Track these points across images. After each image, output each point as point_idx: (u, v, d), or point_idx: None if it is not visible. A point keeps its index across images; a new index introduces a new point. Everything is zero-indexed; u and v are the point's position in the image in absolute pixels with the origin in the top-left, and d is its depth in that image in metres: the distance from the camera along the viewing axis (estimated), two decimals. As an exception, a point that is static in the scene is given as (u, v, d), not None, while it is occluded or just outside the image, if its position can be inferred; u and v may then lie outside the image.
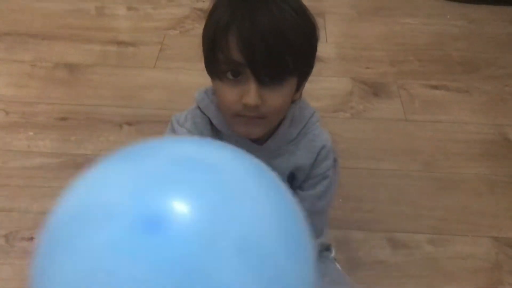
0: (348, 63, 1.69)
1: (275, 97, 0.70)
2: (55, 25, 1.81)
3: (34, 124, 1.42)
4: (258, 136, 0.76)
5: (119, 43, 1.74)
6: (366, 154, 1.36)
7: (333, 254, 0.98)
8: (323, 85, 1.60)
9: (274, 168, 0.80)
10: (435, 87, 1.60)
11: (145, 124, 1.43)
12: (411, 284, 1.08)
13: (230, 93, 0.70)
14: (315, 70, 1.72)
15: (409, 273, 1.10)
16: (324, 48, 1.74)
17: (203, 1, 1.94)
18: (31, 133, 1.39)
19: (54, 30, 1.78)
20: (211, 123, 0.79)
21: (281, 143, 0.79)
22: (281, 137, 0.79)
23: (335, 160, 0.84)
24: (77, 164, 1.31)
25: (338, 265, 0.97)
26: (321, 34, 1.90)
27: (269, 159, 0.79)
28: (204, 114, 0.79)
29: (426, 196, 1.25)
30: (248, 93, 0.68)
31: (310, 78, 1.70)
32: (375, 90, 1.58)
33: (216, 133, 0.80)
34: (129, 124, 1.43)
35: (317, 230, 0.84)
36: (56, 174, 1.28)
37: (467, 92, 1.59)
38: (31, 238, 1.13)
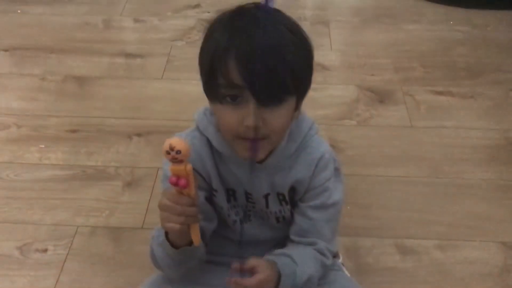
0: (353, 70, 1.71)
1: (276, 118, 0.70)
2: (64, 39, 1.84)
3: (45, 137, 1.45)
4: (262, 158, 0.76)
5: (127, 55, 1.77)
6: (372, 161, 1.38)
7: (340, 259, 0.99)
8: (329, 93, 1.61)
9: (274, 184, 0.82)
10: (440, 93, 1.61)
11: (154, 135, 1.45)
12: (420, 289, 1.09)
13: (231, 116, 0.70)
14: (320, 78, 1.75)
15: (417, 279, 1.10)
16: (329, 56, 1.76)
17: (209, 12, 1.96)
18: (42, 146, 1.42)
19: (62, 44, 1.81)
20: (210, 145, 0.80)
21: (280, 159, 0.80)
22: (279, 153, 0.79)
23: (336, 170, 0.84)
24: (88, 176, 1.33)
25: (346, 271, 0.98)
26: (326, 42, 1.94)
27: (269, 176, 0.81)
28: (203, 135, 0.79)
29: (433, 202, 1.26)
30: (249, 115, 0.68)
31: (316, 86, 1.72)
32: (380, 97, 1.59)
33: (216, 154, 0.80)
34: (138, 135, 1.45)
35: (326, 239, 0.84)
36: (68, 186, 1.31)
37: (472, 98, 1.60)
38: (45, 250, 1.15)
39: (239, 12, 0.72)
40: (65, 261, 1.13)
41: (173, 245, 0.76)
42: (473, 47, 1.82)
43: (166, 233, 0.76)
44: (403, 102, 1.57)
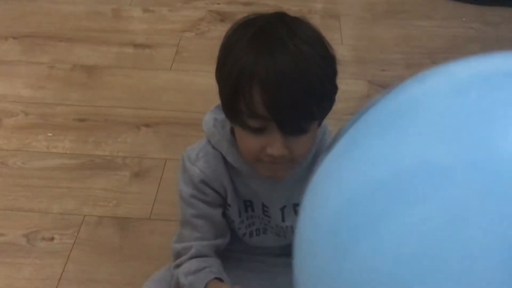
0: (364, 65, 1.69)
1: (302, 144, 0.68)
2: (72, 28, 1.83)
3: (53, 125, 1.44)
4: (285, 177, 0.74)
5: (136, 45, 1.75)
6: (383, 157, 1.36)
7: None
8: (339, 87, 1.59)
9: (292, 196, 0.79)
10: (452, 90, 1.59)
11: (162, 125, 1.44)
12: None
13: (254, 143, 0.67)
14: (331, 72, 1.71)
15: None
16: (340, 51, 1.72)
17: (219, 4, 1.95)
18: (50, 134, 1.41)
19: (71, 32, 1.80)
20: (224, 159, 0.77)
21: (298, 171, 0.77)
22: (299, 167, 0.76)
23: None
24: (96, 165, 1.32)
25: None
26: (337, 36, 1.91)
27: (287, 189, 0.78)
28: (216, 149, 0.77)
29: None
30: (274, 144, 0.66)
31: (326, 80, 1.69)
32: (391, 92, 1.57)
33: (231, 170, 0.78)
34: (146, 125, 1.44)
35: None
36: (75, 175, 1.30)
37: (483, 95, 1.58)
38: (51, 238, 1.15)
39: (264, 30, 0.67)
40: (71, 250, 1.12)
41: None
42: (486, 45, 1.80)
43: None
44: (414, 98, 1.55)
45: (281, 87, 0.63)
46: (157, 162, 1.33)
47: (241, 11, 1.92)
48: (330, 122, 1.54)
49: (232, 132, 0.75)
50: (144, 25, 1.88)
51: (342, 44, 1.78)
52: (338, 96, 1.65)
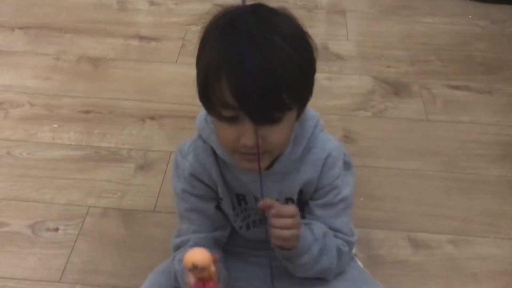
0: (369, 61, 1.69)
1: (275, 134, 0.67)
2: (78, 19, 1.83)
3: (58, 116, 1.44)
4: (263, 168, 0.72)
5: (141, 37, 1.75)
6: (387, 153, 1.36)
7: (353, 250, 0.98)
8: (344, 83, 1.60)
9: (283, 190, 0.79)
10: (457, 88, 1.59)
11: (167, 118, 1.44)
12: (431, 284, 1.08)
13: (228, 133, 0.68)
14: (336, 67, 1.73)
15: (429, 273, 1.10)
16: (345, 46, 1.74)
17: (225, -3, 1.94)
18: (55, 125, 1.41)
19: (77, 24, 1.80)
20: (215, 153, 0.77)
21: (286, 165, 0.77)
22: (286, 159, 0.76)
23: (346, 164, 0.81)
24: (101, 157, 1.33)
25: (359, 262, 0.98)
26: (342, 32, 1.92)
27: (277, 182, 0.78)
28: (207, 143, 0.77)
29: (447, 196, 1.25)
30: (245, 134, 0.65)
31: (331, 75, 1.71)
32: (396, 89, 1.57)
33: (221, 162, 0.78)
34: (151, 118, 1.44)
35: (346, 233, 0.82)
36: (80, 166, 1.30)
37: (489, 93, 1.58)
38: (56, 229, 1.15)
39: (232, 25, 0.67)
40: (76, 241, 1.13)
41: None
42: (491, 42, 1.79)
43: None
44: (419, 95, 1.55)
45: (246, 76, 0.61)
46: (162, 154, 1.33)
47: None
48: (335, 118, 1.55)
49: None
50: (150, 18, 1.88)
51: (348, 40, 1.78)
52: (343, 92, 1.67)
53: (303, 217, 0.82)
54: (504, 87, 1.60)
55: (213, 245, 0.82)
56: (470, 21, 1.90)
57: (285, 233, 0.70)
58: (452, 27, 1.87)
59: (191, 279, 0.63)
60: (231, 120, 0.66)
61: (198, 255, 0.61)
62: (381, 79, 1.61)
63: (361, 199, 1.20)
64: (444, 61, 1.70)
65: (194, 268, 0.60)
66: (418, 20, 1.90)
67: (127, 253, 1.11)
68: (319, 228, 0.78)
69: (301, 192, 0.81)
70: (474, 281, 1.08)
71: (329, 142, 0.80)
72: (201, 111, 0.80)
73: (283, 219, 0.69)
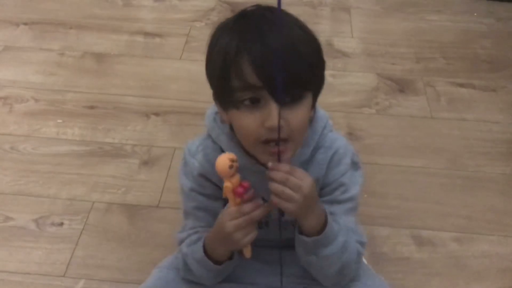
0: (374, 58, 1.69)
1: (297, 116, 0.68)
2: (83, 15, 1.83)
3: (63, 112, 1.45)
4: (289, 160, 0.73)
5: (146, 34, 1.76)
6: (391, 150, 1.36)
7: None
8: (349, 80, 1.60)
9: None
10: (462, 85, 1.59)
11: (171, 114, 1.45)
12: (435, 281, 1.08)
13: (250, 120, 0.67)
14: (340, 64, 1.73)
15: (433, 271, 1.10)
16: (350, 43, 1.74)
17: (229, -6, 1.94)
18: (59, 121, 1.42)
19: (81, 20, 1.80)
20: (224, 152, 0.76)
21: (295, 165, 0.75)
22: (295, 160, 0.76)
23: (354, 163, 0.81)
24: (105, 153, 1.33)
25: (363, 258, 0.97)
26: (347, 29, 1.92)
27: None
28: (216, 143, 0.77)
29: (451, 194, 1.25)
30: (270, 115, 0.65)
31: (335, 72, 1.70)
32: (400, 86, 1.57)
33: None
34: (156, 114, 1.44)
35: (356, 232, 0.81)
36: (84, 161, 1.31)
37: (493, 91, 1.57)
38: (61, 224, 1.16)
39: (244, 15, 0.70)
40: (80, 235, 1.13)
41: (212, 260, 0.76)
42: (497, 40, 1.79)
43: (205, 251, 0.76)
44: (424, 93, 1.55)
45: (270, 55, 0.63)
46: (166, 150, 1.33)
47: (251, 2, 1.91)
48: (339, 115, 1.54)
49: (231, 126, 0.75)
50: (154, 14, 1.88)
51: (352, 37, 1.77)
52: (348, 89, 1.66)
53: None
54: (508, 85, 1.59)
55: None
56: (475, 18, 1.89)
57: (280, 188, 0.68)
58: (457, 24, 1.86)
59: (229, 186, 0.68)
60: (253, 105, 0.66)
61: (226, 154, 0.67)
62: (385, 76, 1.61)
63: (365, 196, 1.20)
64: (449, 58, 1.70)
65: (233, 161, 0.66)
66: (423, 17, 1.89)
67: (131, 248, 1.11)
68: (342, 221, 0.78)
69: None
70: (478, 279, 1.08)
71: (337, 140, 0.80)
72: (209, 111, 0.80)
73: (279, 173, 0.68)
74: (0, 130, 1.38)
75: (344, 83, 1.58)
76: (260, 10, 0.70)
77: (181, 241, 0.83)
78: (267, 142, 0.68)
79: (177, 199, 1.16)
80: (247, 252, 0.75)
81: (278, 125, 0.65)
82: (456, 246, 1.14)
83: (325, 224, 0.73)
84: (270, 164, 0.68)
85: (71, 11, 1.85)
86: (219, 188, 0.80)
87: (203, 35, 1.77)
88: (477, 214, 1.20)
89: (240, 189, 0.68)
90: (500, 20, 1.88)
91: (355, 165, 0.82)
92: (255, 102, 0.67)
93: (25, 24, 1.78)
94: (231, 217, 0.70)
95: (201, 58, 1.80)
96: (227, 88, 0.67)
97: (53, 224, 1.16)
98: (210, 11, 1.87)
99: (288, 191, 0.68)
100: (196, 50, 1.69)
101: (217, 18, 1.84)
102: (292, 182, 0.68)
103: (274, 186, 0.68)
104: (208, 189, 0.80)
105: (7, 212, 1.18)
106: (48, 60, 1.63)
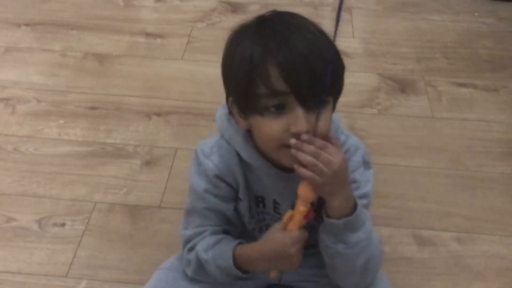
0: (375, 58, 1.69)
1: (323, 121, 0.68)
2: (84, 16, 1.83)
3: (65, 112, 1.45)
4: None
5: (147, 34, 1.76)
6: (392, 150, 1.36)
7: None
8: (350, 80, 1.57)
9: None
10: (463, 85, 1.59)
11: (173, 115, 1.45)
12: (436, 281, 1.08)
13: (275, 126, 0.67)
14: (342, 65, 1.71)
15: (434, 270, 1.10)
16: (351, 43, 1.74)
17: (230, -6, 1.95)
18: (61, 121, 1.42)
19: (83, 21, 1.81)
20: (238, 154, 0.77)
21: None
22: None
23: (366, 163, 0.82)
24: (107, 153, 1.33)
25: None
26: (348, 29, 1.92)
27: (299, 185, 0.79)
28: (230, 144, 0.77)
29: (453, 194, 1.25)
30: (297, 121, 0.66)
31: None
32: (402, 86, 1.57)
33: (244, 164, 0.77)
34: (157, 115, 1.45)
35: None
36: (86, 162, 1.31)
37: (495, 91, 1.57)
38: (63, 224, 1.16)
39: (263, 20, 0.70)
40: (82, 236, 1.14)
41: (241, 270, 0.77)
42: (498, 40, 1.79)
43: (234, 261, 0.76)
44: (425, 93, 1.55)
45: (297, 58, 0.64)
46: (168, 151, 1.34)
47: (252, 3, 1.92)
48: (341, 115, 1.54)
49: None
50: (156, 15, 1.88)
51: (354, 37, 1.78)
52: (349, 89, 1.65)
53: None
54: (510, 85, 1.59)
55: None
56: (476, 18, 1.89)
57: (313, 161, 0.66)
58: (458, 24, 1.86)
59: (304, 210, 0.70)
60: (278, 111, 0.67)
61: (306, 191, 0.69)
62: (387, 76, 1.61)
63: (367, 196, 1.20)
64: (450, 58, 1.70)
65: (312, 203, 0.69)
66: (424, 17, 1.89)
67: (133, 248, 1.12)
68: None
69: None
70: (479, 279, 1.08)
71: (348, 139, 0.81)
72: (219, 112, 0.79)
73: (311, 146, 0.67)
74: (3, 131, 1.39)
75: (345, 83, 1.57)
76: (279, 14, 0.70)
77: (188, 239, 0.82)
78: (289, 146, 0.68)
79: (179, 199, 1.17)
80: (274, 273, 0.76)
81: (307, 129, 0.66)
82: (457, 246, 1.14)
83: (354, 207, 0.72)
84: (304, 136, 0.67)
85: (73, 12, 1.85)
86: (233, 189, 0.80)
87: (204, 36, 1.78)
88: (478, 214, 1.21)
89: (311, 214, 0.70)
90: (501, 20, 1.88)
91: (366, 164, 0.82)
92: (280, 109, 0.67)
93: (27, 25, 1.78)
94: (295, 241, 0.71)
95: (203, 58, 1.81)
96: (251, 95, 0.67)
97: (55, 224, 1.16)
98: (211, 12, 1.88)
99: (319, 165, 0.67)
100: (197, 51, 1.69)
101: (218, 18, 1.84)
102: (323, 156, 0.67)
103: (307, 158, 0.67)
104: (222, 190, 0.79)
105: (9, 212, 1.18)
106: (50, 61, 1.63)
